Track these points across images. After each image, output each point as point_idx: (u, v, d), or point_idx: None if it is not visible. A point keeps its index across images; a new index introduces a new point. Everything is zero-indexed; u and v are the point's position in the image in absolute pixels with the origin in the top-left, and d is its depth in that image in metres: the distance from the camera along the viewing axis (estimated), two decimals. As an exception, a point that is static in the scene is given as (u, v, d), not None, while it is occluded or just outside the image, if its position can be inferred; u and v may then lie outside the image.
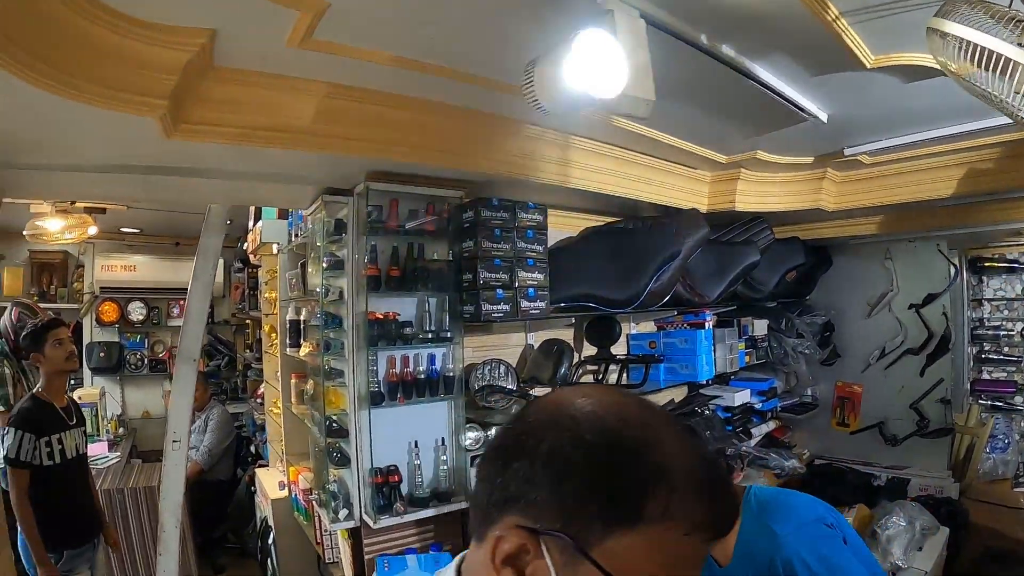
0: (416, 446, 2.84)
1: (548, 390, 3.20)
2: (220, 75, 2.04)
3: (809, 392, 4.82)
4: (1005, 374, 5.15)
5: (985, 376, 5.10)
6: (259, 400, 5.25)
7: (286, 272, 3.91)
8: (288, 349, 3.90)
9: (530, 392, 3.11)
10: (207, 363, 6.69)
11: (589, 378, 3.63)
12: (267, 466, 4.67)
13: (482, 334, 3.25)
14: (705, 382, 4.00)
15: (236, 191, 2.91)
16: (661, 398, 3.95)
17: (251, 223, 4.62)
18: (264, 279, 4.65)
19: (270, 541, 3.97)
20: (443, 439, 2.92)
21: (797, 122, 2.79)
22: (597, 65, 1.63)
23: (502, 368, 3.15)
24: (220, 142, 2.14)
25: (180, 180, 2.64)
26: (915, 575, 3.44)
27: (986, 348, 5.11)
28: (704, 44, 2.04)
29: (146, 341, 6.80)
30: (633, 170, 3.31)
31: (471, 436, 2.97)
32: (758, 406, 4.32)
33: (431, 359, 2.87)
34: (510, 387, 3.09)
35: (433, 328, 2.87)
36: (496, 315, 2.84)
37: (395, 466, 2.76)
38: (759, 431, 4.35)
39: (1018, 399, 5.09)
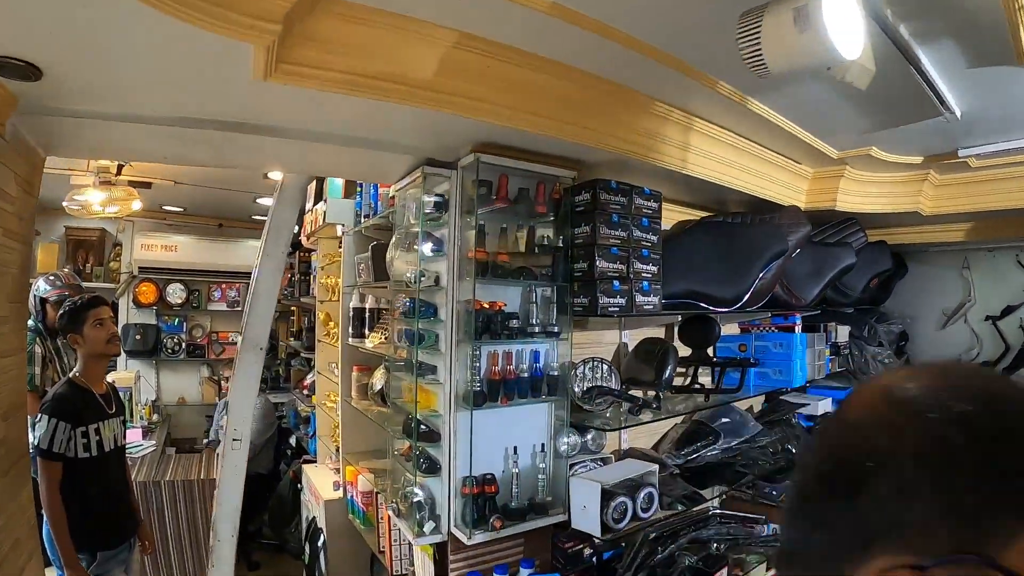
0: (515, 452, 2.37)
1: (649, 393, 2.74)
2: (332, 9, 1.61)
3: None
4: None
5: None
6: (305, 391, 4.73)
7: (353, 256, 3.41)
8: (350, 339, 3.41)
9: (632, 393, 2.62)
10: None
11: (678, 380, 3.14)
12: (315, 462, 4.16)
13: (576, 330, 2.76)
14: (786, 389, 3.53)
15: (317, 158, 2.42)
16: (742, 404, 3.46)
17: (308, 204, 4.13)
18: (321, 264, 4.14)
19: (320, 544, 3.48)
20: (542, 445, 2.45)
21: (931, 116, 2.48)
22: (844, 22, 1.36)
23: (604, 367, 2.68)
24: (323, 88, 1.68)
25: (257, 141, 2.15)
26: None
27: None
28: (889, 21, 1.75)
29: (184, 325, 6.29)
30: (744, 160, 2.88)
31: (566, 441, 2.49)
32: (837, 416, 3.85)
33: (535, 356, 2.40)
34: (616, 388, 2.62)
35: (539, 321, 2.39)
36: (612, 309, 2.37)
37: (492, 475, 2.30)
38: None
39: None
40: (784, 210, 3.21)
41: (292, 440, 5.07)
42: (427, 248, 2.34)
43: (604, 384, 2.64)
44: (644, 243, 2.51)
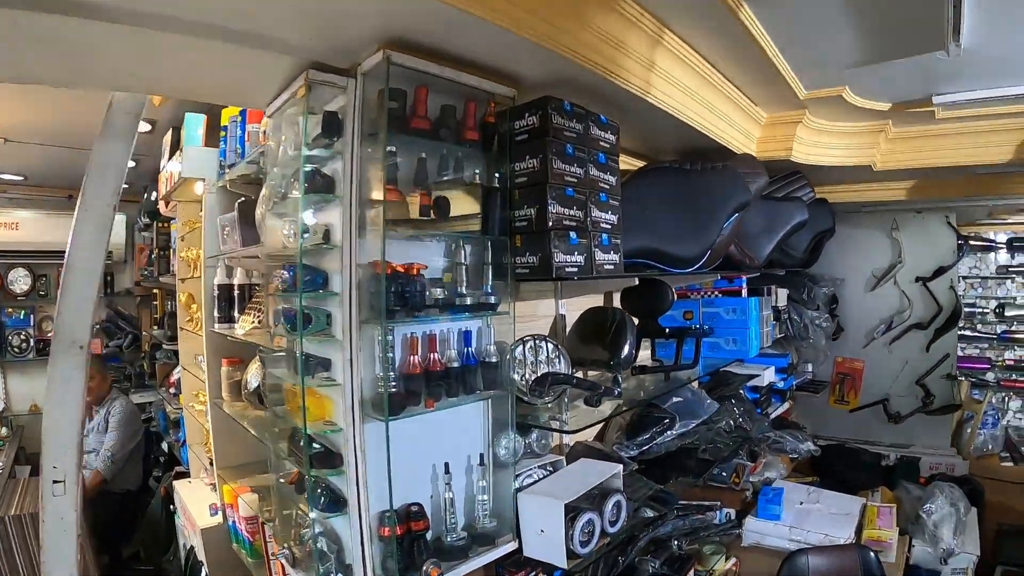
0: (447, 470, 1.66)
1: (603, 374, 2.11)
2: None
3: (810, 368, 3.92)
4: (978, 351, 4.57)
5: (959, 352, 4.44)
6: (172, 389, 3.75)
7: (215, 217, 2.54)
8: (216, 324, 2.53)
9: (591, 379, 1.96)
10: (106, 343, 4.96)
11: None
12: (188, 476, 3.25)
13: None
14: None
15: (160, 63, 1.58)
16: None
17: (163, 162, 3.18)
18: (180, 233, 3.19)
19: (201, 576, 2.65)
20: (480, 455, 1.75)
21: (934, 49, 2.04)
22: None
23: (549, 347, 2.01)
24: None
25: (74, 31, 1.30)
26: (967, 560, 2.92)
27: (960, 325, 4.45)
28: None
29: (32, 318, 5.02)
30: (706, 92, 2.28)
31: (509, 447, 1.80)
32: (780, 385, 3.39)
33: (466, 337, 1.69)
34: (570, 374, 1.95)
35: (468, 290, 1.68)
36: (569, 269, 1.69)
37: (418, 505, 1.58)
38: (775, 412, 3.41)
39: (989, 376, 4.53)
40: (737, 158, 2.64)
41: (165, 446, 4.06)
42: (313, 187, 1.57)
43: (552, 369, 1.98)
44: (602, 184, 1.84)
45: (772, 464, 3.35)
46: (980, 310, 4.49)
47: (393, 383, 1.51)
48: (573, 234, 1.70)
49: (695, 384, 2.79)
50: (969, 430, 3.87)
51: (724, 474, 3.07)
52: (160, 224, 3.73)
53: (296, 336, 1.59)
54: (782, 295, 3.47)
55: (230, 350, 2.53)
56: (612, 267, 1.87)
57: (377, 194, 1.50)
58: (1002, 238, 4.63)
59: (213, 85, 1.77)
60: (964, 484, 3.37)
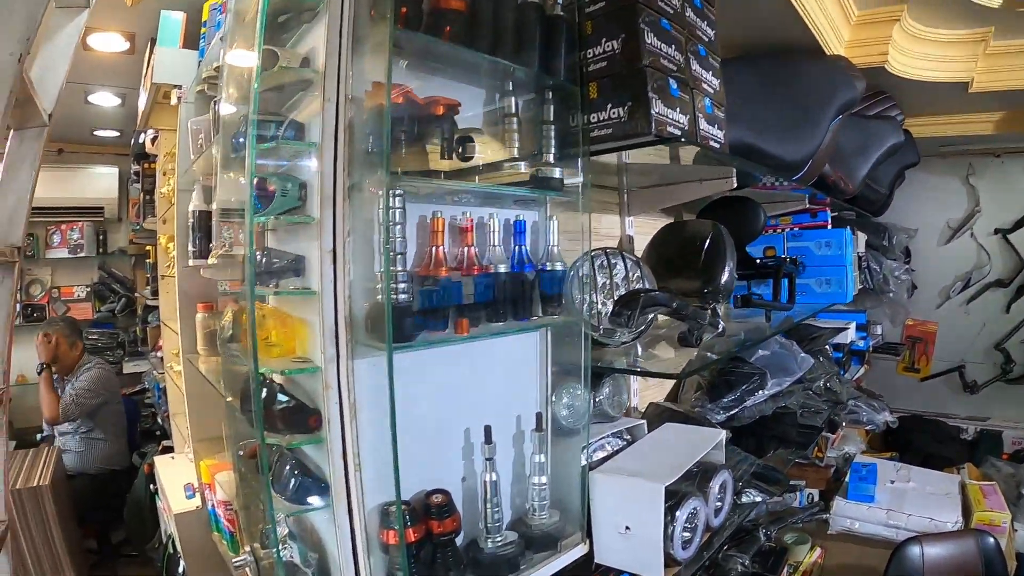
0: (488, 438, 1.00)
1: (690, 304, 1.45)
2: None
3: (879, 330, 3.23)
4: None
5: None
6: (159, 354, 3.08)
7: (188, 123, 1.88)
8: (190, 260, 1.86)
9: (695, 306, 1.28)
10: (98, 308, 4.21)
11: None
12: (172, 452, 2.57)
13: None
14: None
15: None
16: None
17: (142, 93, 2.51)
18: (162, 168, 2.46)
19: (180, 573, 2.02)
20: (536, 416, 1.09)
21: None
22: None
23: (627, 264, 1.33)
24: None
25: None
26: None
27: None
28: None
29: (20, 281, 4.38)
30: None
31: (574, 405, 1.15)
32: (859, 345, 2.72)
33: (517, 230, 1.04)
34: (667, 296, 1.28)
35: (522, 155, 1.02)
36: (672, 129, 1.03)
37: (444, 495, 0.93)
38: (853, 376, 2.76)
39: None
40: (830, 59, 1.98)
41: (161, 421, 3.40)
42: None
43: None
44: (700, 34, 1.19)
45: (850, 437, 2.69)
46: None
47: (404, 288, 0.86)
48: (674, 82, 1.05)
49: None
50: (1055, 401, 3.19)
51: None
52: (147, 165, 3.07)
53: (249, 217, 0.94)
54: (861, 239, 2.78)
55: (206, 292, 1.89)
56: (717, 145, 1.21)
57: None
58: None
59: None
60: (1059, 460, 2.73)
